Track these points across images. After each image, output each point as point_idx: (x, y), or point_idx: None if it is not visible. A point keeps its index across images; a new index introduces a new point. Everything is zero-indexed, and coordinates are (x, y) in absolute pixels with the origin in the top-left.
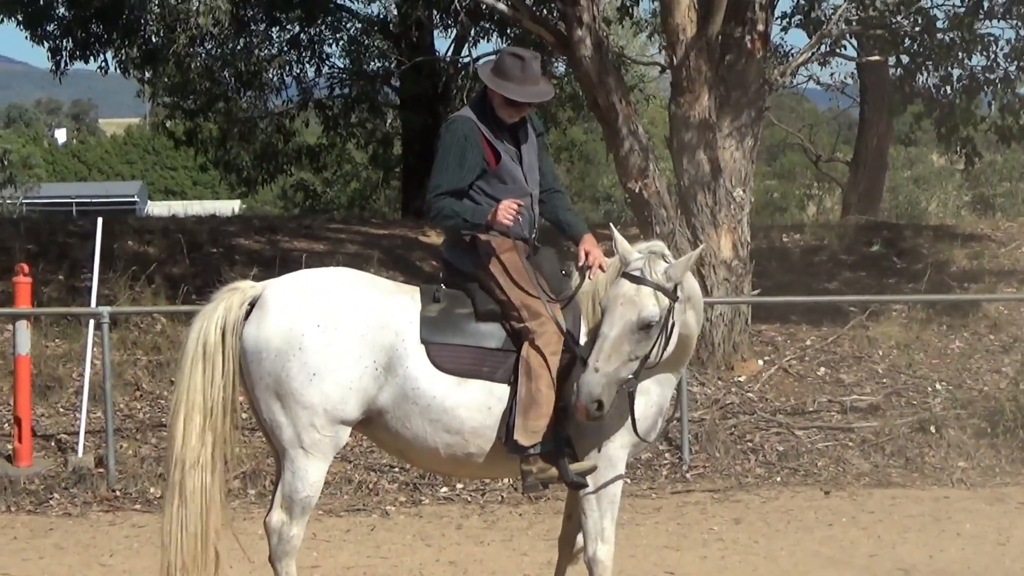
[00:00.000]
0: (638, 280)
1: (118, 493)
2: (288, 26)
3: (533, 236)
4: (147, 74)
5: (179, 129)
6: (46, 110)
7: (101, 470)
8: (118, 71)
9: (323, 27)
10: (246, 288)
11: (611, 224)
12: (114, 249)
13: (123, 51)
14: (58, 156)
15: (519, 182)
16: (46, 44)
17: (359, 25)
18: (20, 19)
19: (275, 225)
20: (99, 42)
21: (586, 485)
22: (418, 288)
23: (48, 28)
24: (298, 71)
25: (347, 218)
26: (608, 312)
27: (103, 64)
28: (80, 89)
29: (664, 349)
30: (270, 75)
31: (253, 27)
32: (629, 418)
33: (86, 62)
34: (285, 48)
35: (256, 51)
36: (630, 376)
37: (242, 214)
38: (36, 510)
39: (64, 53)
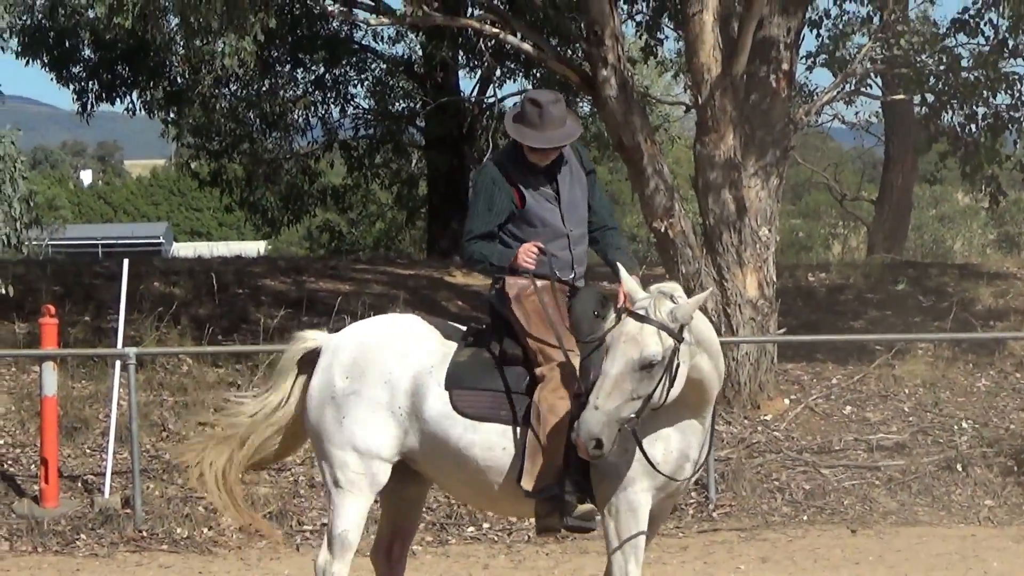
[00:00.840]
0: (642, 319)
1: (144, 533)
2: (313, 67)
3: (572, 277)
4: (172, 115)
5: (204, 170)
6: (72, 152)
7: (128, 510)
8: (143, 112)
9: (348, 68)
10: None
11: (617, 263)
12: (140, 290)
13: (148, 92)
14: (84, 197)
15: (550, 223)
16: (72, 86)
17: (384, 66)
18: (46, 61)
19: (301, 266)
20: (124, 84)
21: (589, 529)
22: (462, 330)
23: (74, 70)
24: (323, 112)
25: (373, 259)
26: (611, 350)
27: (130, 106)
28: (105, 131)
29: (668, 391)
30: (295, 116)
31: (278, 68)
32: (647, 461)
33: (112, 103)
34: (310, 89)
35: (281, 92)
36: (632, 415)
37: (268, 255)
38: (63, 551)
39: (90, 95)
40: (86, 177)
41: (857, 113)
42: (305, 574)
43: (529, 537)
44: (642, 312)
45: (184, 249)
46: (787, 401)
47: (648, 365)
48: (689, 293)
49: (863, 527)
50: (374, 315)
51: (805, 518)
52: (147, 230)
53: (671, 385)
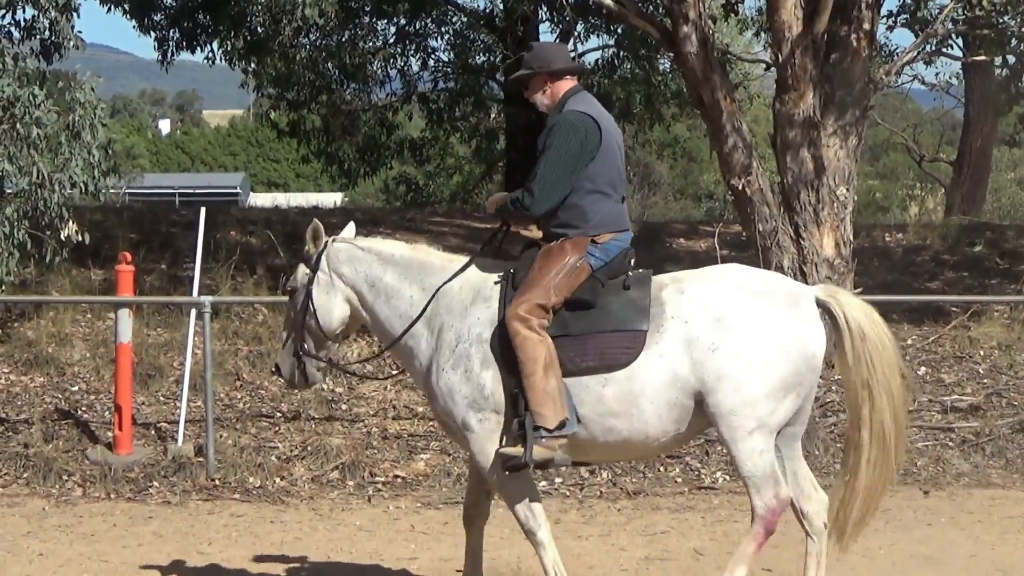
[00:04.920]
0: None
1: (217, 482)
2: (394, 19)
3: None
4: (252, 65)
5: (283, 121)
6: (150, 100)
7: (200, 459)
8: (223, 62)
9: (429, 20)
10: None
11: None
12: (216, 239)
13: (229, 42)
14: (161, 147)
15: None
16: (152, 34)
17: (465, 19)
18: (127, 8)
19: (377, 217)
20: (205, 33)
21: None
22: None
23: (155, 18)
24: (402, 64)
25: (449, 212)
26: None
27: (210, 55)
28: (184, 80)
29: (316, 316)
30: (374, 67)
31: (358, 19)
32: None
33: (192, 53)
34: (390, 41)
35: (361, 43)
36: (304, 345)
37: (344, 206)
38: (135, 498)
39: (171, 43)
40: (164, 126)
41: (937, 74)
42: (376, 525)
43: (601, 492)
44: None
45: (261, 199)
46: None
47: (291, 292)
48: (766, 252)
49: (936, 488)
50: None
51: None
52: (224, 180)
53: (315, 310)
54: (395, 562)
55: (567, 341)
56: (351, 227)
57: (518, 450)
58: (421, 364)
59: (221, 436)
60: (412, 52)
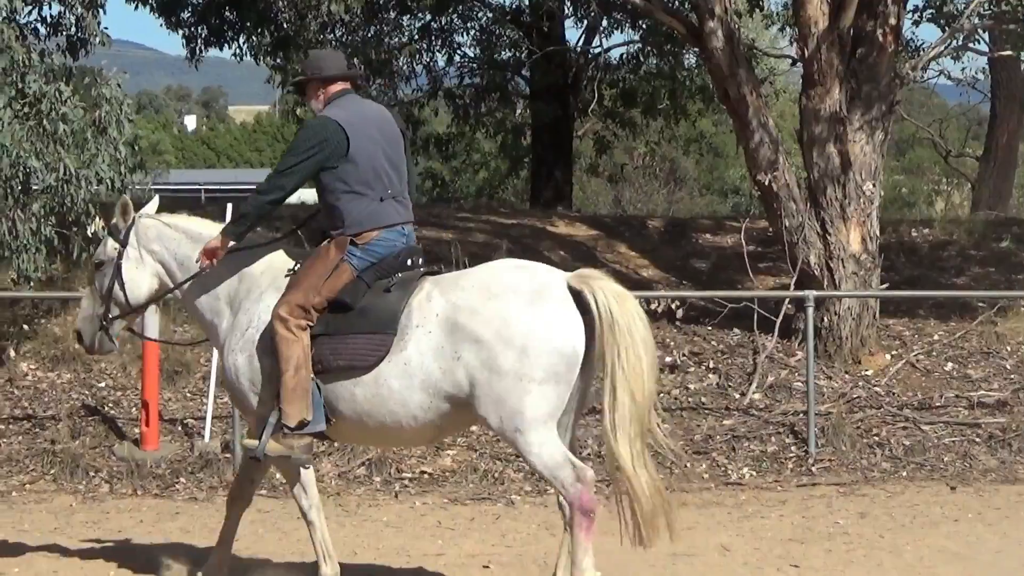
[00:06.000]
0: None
1: None
2: (419, 14)
3: None
4: (278, 61)
5: (308, 116)
6: (176, 97)
7: (227, 455)
8: (250, 58)
9: (454, 16)
10: None
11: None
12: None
13: (255, 38)
14: (187, 143)
15: None
16: (180, 31)
17: (490, 14)
18: (154, 6)
19: None
20: (232, 29)
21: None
22: None
23: (182, 15)
24: (428, 60)
25: (475, 207)
26: None
27: (237, 51)
28: (210, 76)
29: (124, 287)
30: (400, 63)
31: (384, 15)
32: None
33: (220, 49)
34: (416, 36)
35: (386, 39)
36: (110, 313)
37: None
38: (162, 494)
39: (198, 40)
40: (190, 122)
41: (963, 69)
42: (402, 521)
43: None
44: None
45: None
46: (888, 357)
47: (99, 264)
48: (792, 247)
49: (963, 484)
50: (475, 264)
51: (904, 474)
52: (250, 176)
53: (124, 284)
54: (422, 558)
55: (326, 340)
56: (155, 201)
57: (254, 442)
58: (219, 341)
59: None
60: (438, 48)
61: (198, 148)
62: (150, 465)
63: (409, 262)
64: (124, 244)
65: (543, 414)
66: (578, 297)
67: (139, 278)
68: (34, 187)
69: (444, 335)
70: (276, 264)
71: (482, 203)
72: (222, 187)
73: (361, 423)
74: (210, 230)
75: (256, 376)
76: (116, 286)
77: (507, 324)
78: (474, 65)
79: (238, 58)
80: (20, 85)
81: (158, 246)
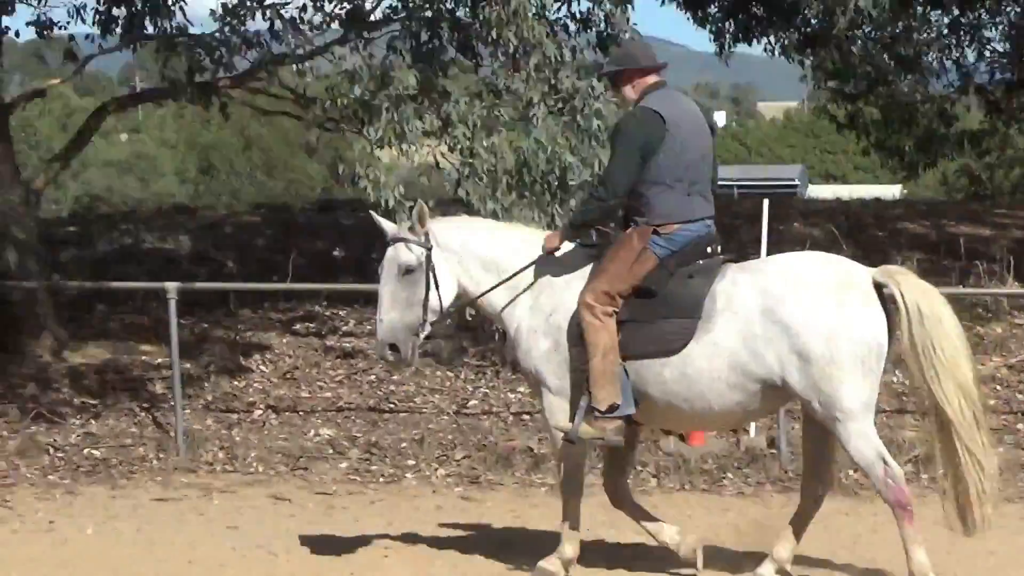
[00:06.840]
0: (392, 242)
1: (791, 473)
2: (949, 9)
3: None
4: (808, 59)
5: (840, 113)
6: (705, 93)
7: (772, 451)
8: (779, 55)
9: (982, 11)
10: None
11: (371, 212)
12: (780, 230)
13: (783, 35)
14: (718, 139)
15: None
16: (708, 27)
17: (1019, 10)
18: (681, 2)
19: (940, 209)
20: (760, 25)
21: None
22: None
23: (709, 10)
24: (957, 55)
25: (1011, 204)
26: (381, 276)
27: (767, 47)
28: (739, 72)
29: (440, 293)
30: (929, 59)
31: (912, 10)
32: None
33: (749, 44)
34: (944, 32)
35: (915, 34)
36: (421, 321)
37: (905, 199)
38: (710, 489)
39: (727, 36)
40: (720, 118)
41: None
42: None
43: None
44: (390, 239)
45: (820, 191)
46: None
47: (408, 271)
48: None
49: None
50: (1018, 261)
51: None
52: (782, 172)
53: (438, 287)
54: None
55: (632, 326)
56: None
57: (568, 425)
58: (520, 329)
59: (793, 428)
60: (967, 43)
61: (730, 144)
62: (697, 460)
63: (708, 249)
64: (430, 248)
65: (859, 404)
66: (880, 292)
67: (450, 280)
68: (571, 183)
69: (753, 320)
70: (578, 256)
71: (1018, 199)
72: (755, 183)
73: (670, 405)
74: (503, 230)
75: (563, 361)
76: (432, 291)
77: (815, 313)
78: (1004, 60)
79: (769, 54)
80: (553, 81)
81: (460, 247)
